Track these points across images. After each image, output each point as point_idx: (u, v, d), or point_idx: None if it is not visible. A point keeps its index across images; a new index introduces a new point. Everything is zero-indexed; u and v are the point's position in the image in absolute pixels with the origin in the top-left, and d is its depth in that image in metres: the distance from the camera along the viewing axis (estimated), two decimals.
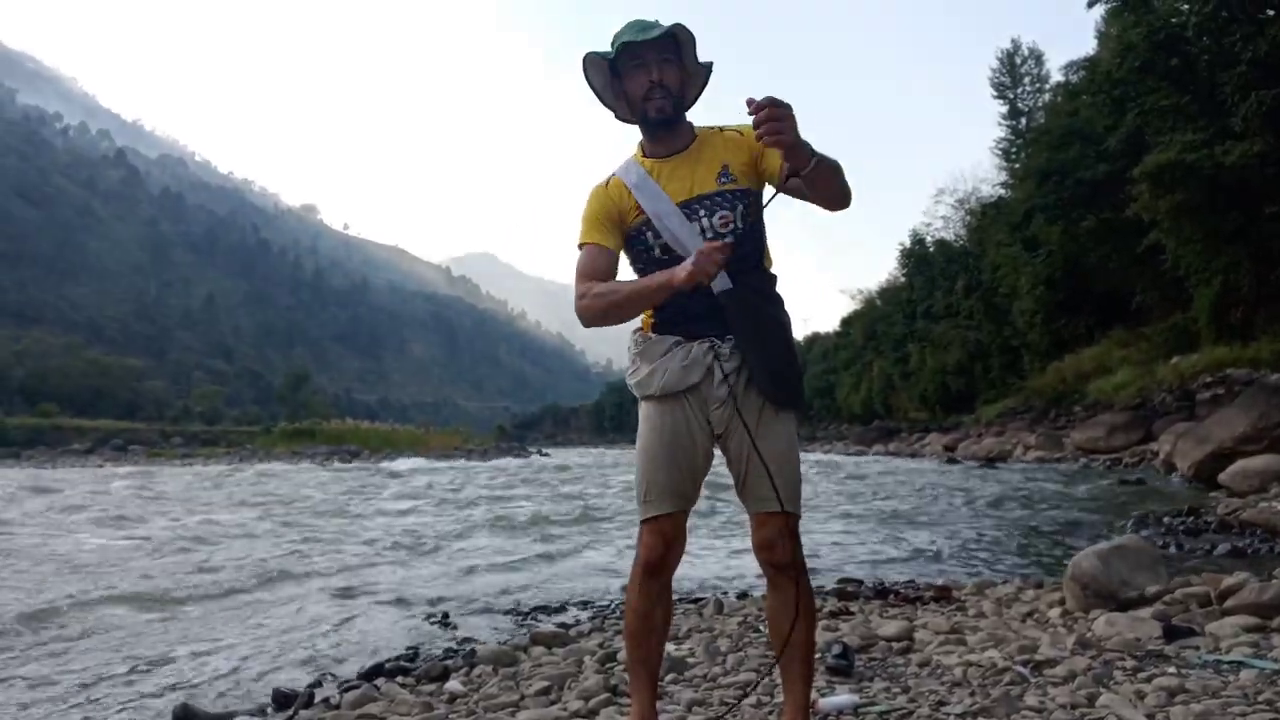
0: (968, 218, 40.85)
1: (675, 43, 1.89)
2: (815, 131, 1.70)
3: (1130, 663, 2.59)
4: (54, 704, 2.88)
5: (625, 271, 2.01)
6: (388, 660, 3.29)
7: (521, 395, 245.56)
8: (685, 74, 1.93)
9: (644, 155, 1.98)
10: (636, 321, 2.03)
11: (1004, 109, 37.28)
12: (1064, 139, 25.62)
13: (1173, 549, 5.34)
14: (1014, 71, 37.09)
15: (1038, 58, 37.01)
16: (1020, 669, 2.58)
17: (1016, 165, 34.07)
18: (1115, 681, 2.41)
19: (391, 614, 4.30)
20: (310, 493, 13.67)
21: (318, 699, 2.84)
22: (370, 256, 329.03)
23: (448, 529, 8.34)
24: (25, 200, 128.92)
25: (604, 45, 1.94)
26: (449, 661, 3.17)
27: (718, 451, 1.98)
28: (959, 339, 36.50)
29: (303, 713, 2.66)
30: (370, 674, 3.09)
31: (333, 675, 3.18)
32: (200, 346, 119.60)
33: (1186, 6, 18.19)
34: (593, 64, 1.93)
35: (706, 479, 1.97)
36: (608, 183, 1.99)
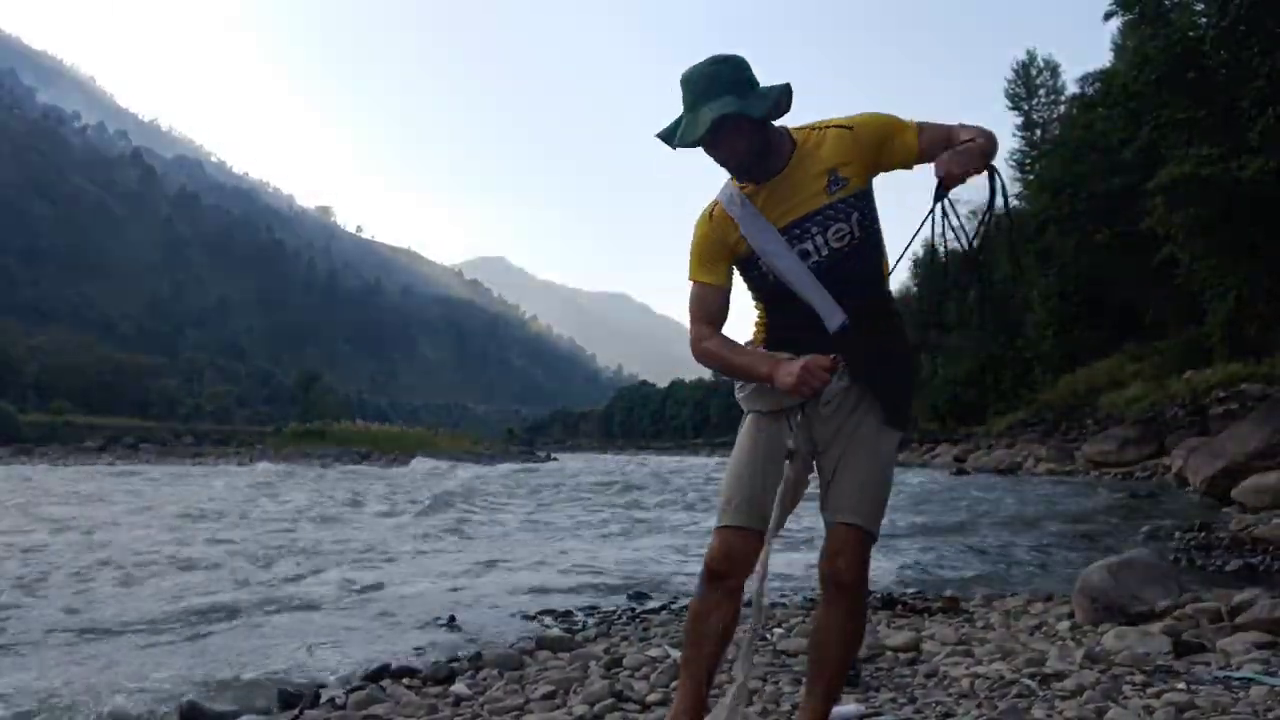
0: (981, 229, 40.66)
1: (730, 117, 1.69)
2: None
3: (1139, 677, 2.57)
4: (61, 701, 2.89)
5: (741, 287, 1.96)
6: (394, 662, 3.30)
7: (532, 399, 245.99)
8: (753, 126, 1.73)
9: None
10: (747, 333, 1.98)
11: (1019, 120, 37.17)
12: (1079, 151, 25.54)
13: (1183, 564, 5.30)
14: (1029, 83, 36.99)
15: (1053, 69, 36.93)
16: (1028, 682, 2.56)
17: (1031, 177, 33.94)
18: (1124, 696, 2.39)
19: (398, 616, 4.31)
20: (321, 488, 13.72)
21: (323, 699, 2.84)
22: (383, 258, 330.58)
23: (450, 527, 8.36)
24: (43, 198, 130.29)
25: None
26: (455, 664, 3.18)
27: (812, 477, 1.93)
28: (970, 350, 36.33)
29: (308, 713, 2.66)
30: (376, 675, 3.10)
31: (338, 676, 3.19)
32: (213, 346, 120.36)
33: (1204, 20, 18.12)
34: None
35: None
36: (712, 212, 1.88)
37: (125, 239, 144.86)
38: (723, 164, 1.80)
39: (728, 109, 1.67)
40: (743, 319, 2.02)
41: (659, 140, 1.79)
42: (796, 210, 1.78)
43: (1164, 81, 18.48)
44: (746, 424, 1.93)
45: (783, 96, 1.74)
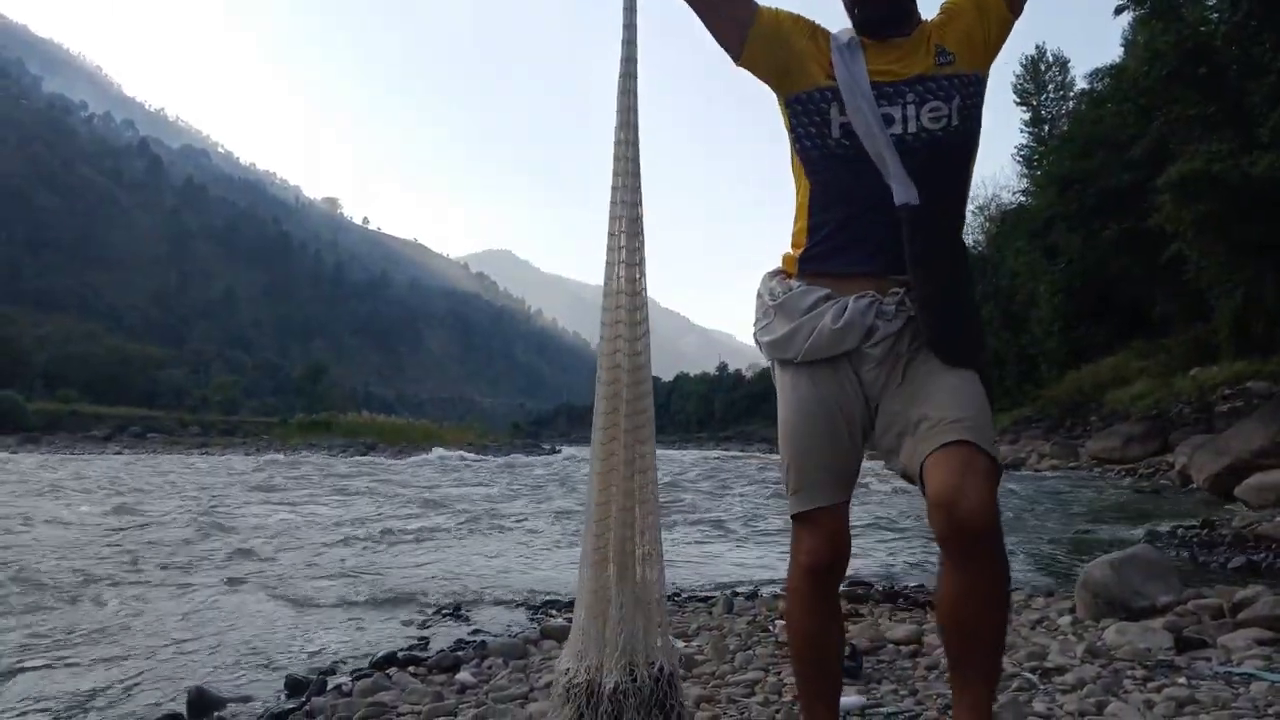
0: (987, 224, 40.60)
1: None
2: None
3: (1140, 672, 2.58)
4: (68, 686, 2.93)
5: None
6: (399, 650, 3.33)
7: (537, 393, 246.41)
8: None
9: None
10: (771, 262, 1.67)
11: (1027, 115, 36.95)
12: (1087, 147, 25.41)
13: (1186, 561, 5.30)
14: (1038, 78, 36.76)
15: (1062, 64, 36.67)
16: (1029, 675, 2.58)
17: (1038, 172, 33.81)
18: (1124, 690, 2.41)
19: (403, 606, 4.35)
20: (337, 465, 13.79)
21: (330, 686, 2.87)
22: (390, 251, 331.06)
23: (457, 518, 8.40)
24: (49, 188, 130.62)
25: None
26: (460, 653, 3.21)
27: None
28: None
29: (315, 699, 2.69)
30: (382, 663, 3.13)
31: (345, 664, 3.22)
32: (219, 337, 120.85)
33: (1216, 15, 17.99)
34: None
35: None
36: (813, 26, 1.58)
37: (132, 230, 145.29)
38: (860, 4, 1.56)
39: None
40: (778, 238, 1.68)
41: None
42: (897, 73, 1.51)
43: (1174, 77, 18.37)
44: (787, 381, 1.59)
45: None
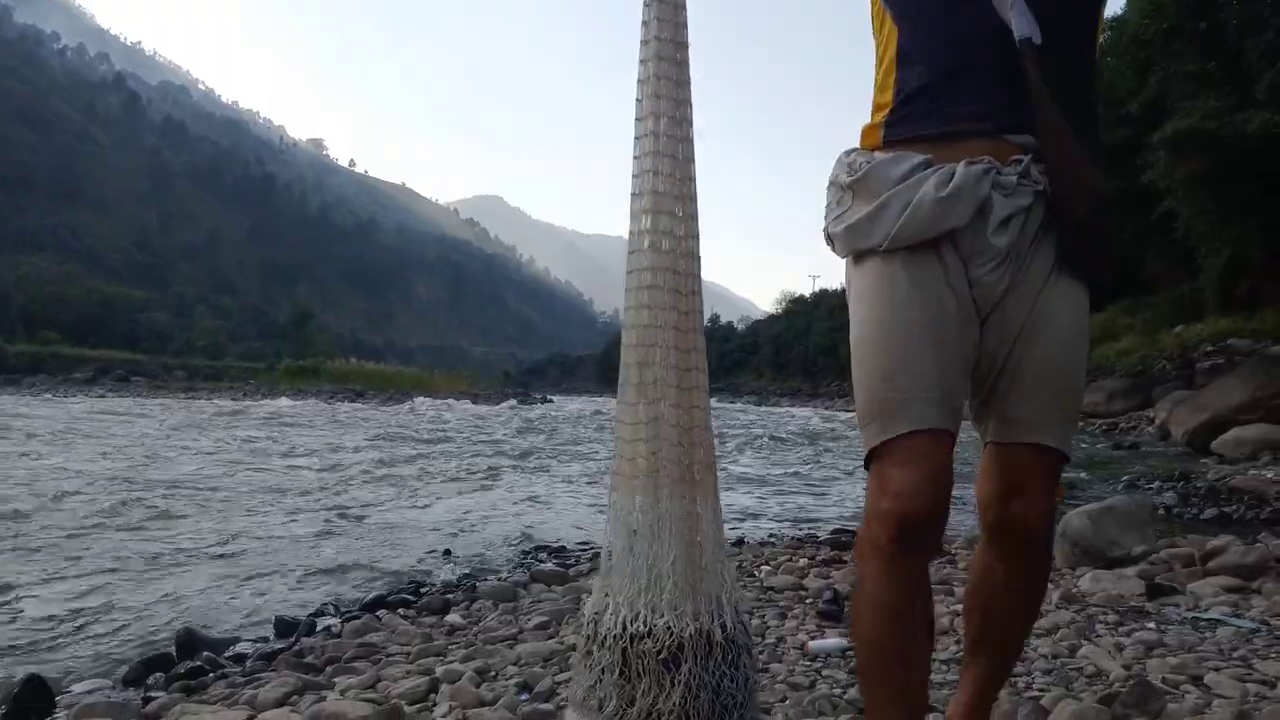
0: None
1: None
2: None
3: (1112, 617, 2.66)
4: (58, 630, 2.96)
5: None
6: (390, 593, 3.38)
7: (528, 342, 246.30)
8: None
9: None
10: (846, 136, 1.32)
11: None
12: None
13: (1161, 512, 5.42)
14: None
15: None
16: None
17: None
18: (1096, 634, 2.48)
19: (394, 549, 4.40)
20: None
21: (319, 628, 2.92)
22: (378, 195, 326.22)
23: (450, 466, 8.46)
24: (24, 123, 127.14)
25: None
26: (450, 596, 3.26)
27: None
28: None
29: (304, 640, 2.73)
30: (372, 605, 3.18)
31: (334, 606, 3.27)
32: (203, 280, 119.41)
33: None
34: None
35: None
36: None
37: (110, 168, 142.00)
38: None
39: None
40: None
41: None
42: None
43: (1176, 32, 18.12)
44: (869, 278, 1.18)
45: None
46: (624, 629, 1.27)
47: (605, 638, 1.29)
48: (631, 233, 1.39)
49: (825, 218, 1.25)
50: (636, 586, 1.29)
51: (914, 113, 1.18)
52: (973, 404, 1.26)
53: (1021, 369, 1.17)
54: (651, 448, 1.32)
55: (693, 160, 1.39)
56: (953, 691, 1.88)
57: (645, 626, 1.26)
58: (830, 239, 1.24)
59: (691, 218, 1.38)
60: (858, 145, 1.25)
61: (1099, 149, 1.19)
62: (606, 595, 1.32)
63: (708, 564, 1.32)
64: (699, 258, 1.39)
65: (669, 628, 1.26)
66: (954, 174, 1.11)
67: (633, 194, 1.39)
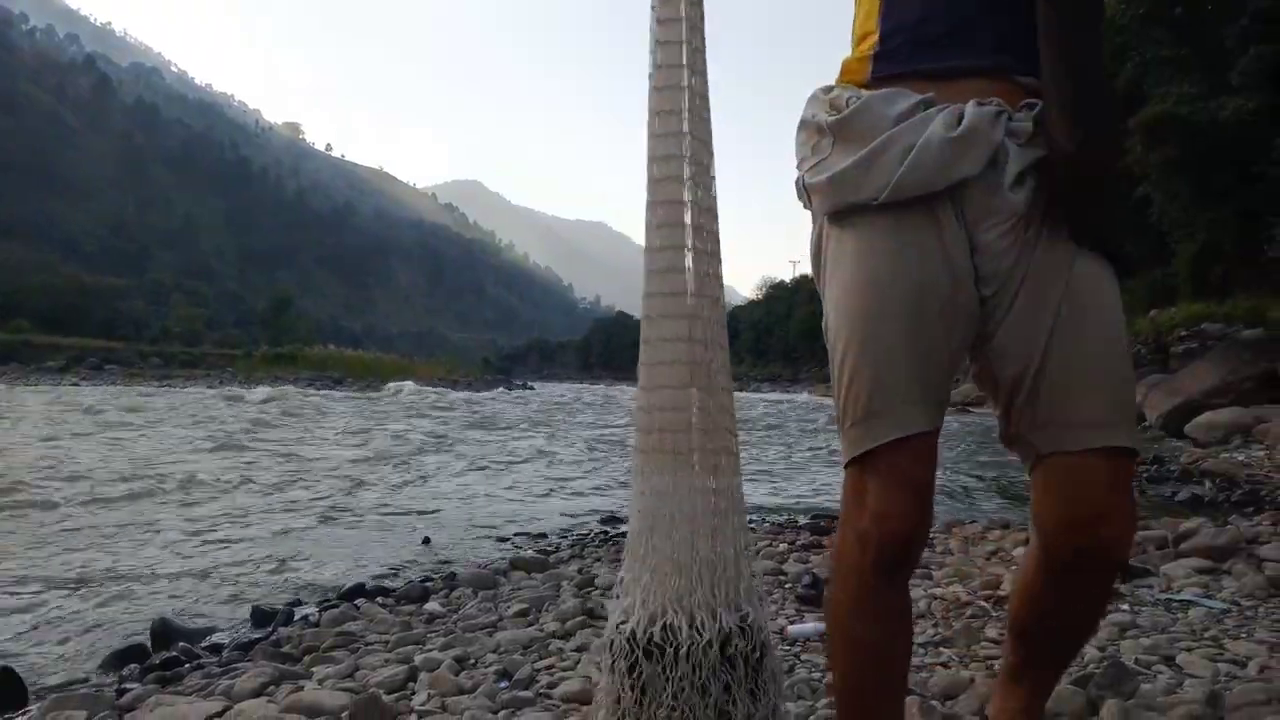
0: None
1: None
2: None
3: None
4: (30, 621, 2.91)
5: None
6: (368, 581, 3.36)
7: (508, 328, 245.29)
8: None
9: None
10: (822, 64, 1.15)
11: None
12: None
13: (1135, 495, 5.50)
14: None
15: None
16: (983, 604, 2.68)
17: None
18: None
19: (373, 537, 4.38)
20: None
21: (296, 617, 2.89)
22: (355, 179, 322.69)
23: (428, 454, 8.42)
24: None
25: None
26: (429, 583, 3.24)
27: None
28: None
29: (282, 630, 2.71)
30: (350, 594, 3.15)
31: (312, 595, 3.24)
32: (180, 266, 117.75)
33: None
34: None
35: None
36: None
37: (82, 152, 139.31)
38: None
39: None
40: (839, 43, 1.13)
41: None
42: None
43: (1151, 17, 18.25)
44: (844, 247, 1.02)
45: None
46: (650, 635, 1.11)
47: (633, 643, 1.13)
48: (650, 203, 1.16)
49: (799, 167, 1.05)
50: (668, 586, 1.12)
51: (908, 44, 1.00)
52: (1002, 421, 1.07)
53: (1072, 361, 0.98)
54: (673, 431, 1.16)
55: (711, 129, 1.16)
56: (930, 674, 1.90)
57: (675, 631, 1.10)
58: (806, 190, 1.04)
59: (713, 180, 1.16)
60: (838, 79, 1.07)
61: (1109, 85, 1.03)
62: (630, 596, 1.16)
63: (739, 557, 1.16)
64: (716, 214, 1.17)
65: (700, 629, 1.10)
66: (963, 114, 0.94)
67: (658, 156, 1.14)
